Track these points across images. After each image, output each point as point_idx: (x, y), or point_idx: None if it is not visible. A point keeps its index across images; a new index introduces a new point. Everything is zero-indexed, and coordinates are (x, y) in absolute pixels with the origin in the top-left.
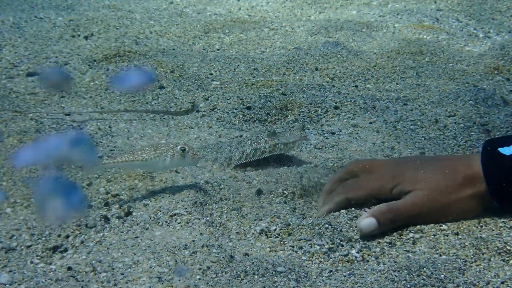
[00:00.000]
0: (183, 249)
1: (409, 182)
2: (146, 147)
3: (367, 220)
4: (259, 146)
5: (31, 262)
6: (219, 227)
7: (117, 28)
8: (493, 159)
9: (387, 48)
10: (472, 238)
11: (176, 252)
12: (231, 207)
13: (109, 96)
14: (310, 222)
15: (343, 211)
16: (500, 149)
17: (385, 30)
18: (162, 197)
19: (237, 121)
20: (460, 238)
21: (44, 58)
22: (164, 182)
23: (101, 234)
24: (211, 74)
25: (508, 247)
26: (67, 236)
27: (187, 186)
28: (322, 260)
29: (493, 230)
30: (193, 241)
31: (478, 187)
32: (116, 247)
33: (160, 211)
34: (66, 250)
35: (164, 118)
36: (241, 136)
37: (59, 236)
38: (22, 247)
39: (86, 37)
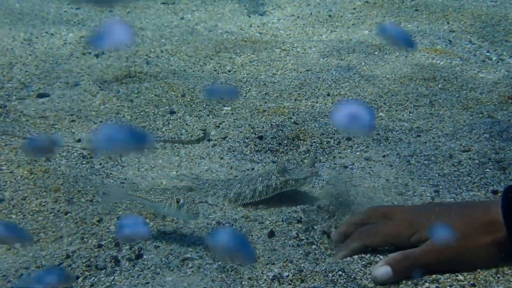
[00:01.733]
0: None
1: (427, 230)
2: (160, 189)
3: (382, 268)
4: (270, 182)
5: None
6: (231, 272)
7: (128, 46)
8: None
9: (400, 73)
10: None
11: None
12: None
13: (120, 121)
14: (323, 268)
15: (356, 257)
16: None
17: (398, 53)
18: (174, 239)
19: (248, 152)
20: None
21: (55, 78)
22: (176, 222)
23: (111, 277)
24: (222, 99)
25: None
26: (77, 277)
27: (198, 228)
28: None
29: (510, 282)
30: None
31: (497, 234)
32: None
33: (171, 254)
34: None
35: (175, 147)
36: (252, 169)
37: None
38: None
39: (96, 55)
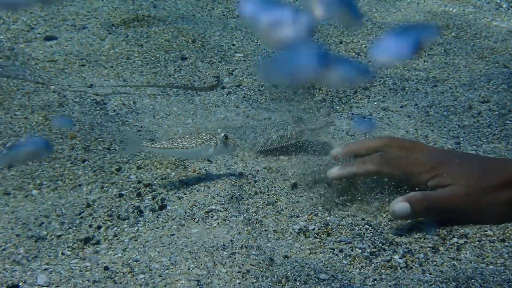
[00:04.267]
0: (221, 250)
1: (448, 176)
2: (187, 134)
3: (401, 204)
4: (285, 132)
5: (62, 254)
6: (256, 224)
7: None
8: None
9: (413, 20)
10: None
11: (214, 253)
12: (266, 202)
13: (131, 67)
14: (349, 222)
15: (381, 212)
16: None
17: (410, 0)
18: (197, 190)
19: (264, 100)
20: (507, 246)
21: (61, 20)
22: (198, 173)
23: (135, 228)
24: (234, 45)
25: None
26: (99, 227)
27: (222, 179)
28: (364, 265)
29: None
30: (231, 241)
31: None
32: (153, 245)
33: (196, 206)
34: (98, 242)
35: (189, 94)
36: (269, 118)
37: (90, 226)
38: (53, 236)
39: None
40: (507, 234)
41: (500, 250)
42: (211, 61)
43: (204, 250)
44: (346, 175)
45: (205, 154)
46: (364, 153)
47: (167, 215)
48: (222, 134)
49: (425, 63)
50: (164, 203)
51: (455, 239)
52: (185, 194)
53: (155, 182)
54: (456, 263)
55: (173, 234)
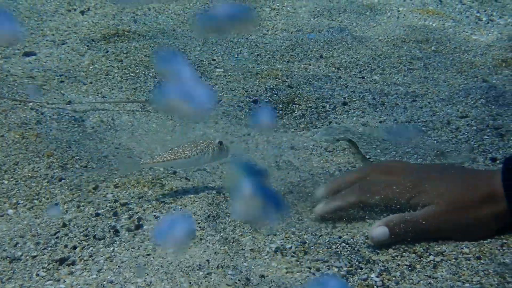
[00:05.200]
0: (197, 270)
1: (428, 195)
2: (186, 144)
3: (379, 229)
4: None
5: (37, 275)
6: (233, 243)
7: (114, 3)
8: None
9: (393, 35)
10: (495, 264)
11: (190, 273)
12: (244, 220)
13: (110, 83)
14: (326, 240)
15: (360, 229)
16: None
17: (389, 14)
18: (174, 209)
19: (243, 116)
20: (483, 263)
21: (41, 35)
22: (175, 191)
23: (111, 248)
24: (214, 60)
25: None
26: (75, 247)
27: (199, 197)
28: None
29: None
30: (208, 260)
31: (498, 207)
32: (128, 265)
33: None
34: (74, 263)
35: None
36: (248, 134)
37: (65, 246)
38: (28, 257)
39: (82, 12)
40: (483, 252)
41: (476, 267)
42: None
43: (179, 270)
44: (330, 210)
45: (205, 161)
46: (347, 187)
47: (144, 234)
48: (217, 140)
49: (405, 78)
50: (140, 223)
51: (431, 257)
52: (161, 213)
53: (132, 201)
54: (432, 281)
55: (149, 254)
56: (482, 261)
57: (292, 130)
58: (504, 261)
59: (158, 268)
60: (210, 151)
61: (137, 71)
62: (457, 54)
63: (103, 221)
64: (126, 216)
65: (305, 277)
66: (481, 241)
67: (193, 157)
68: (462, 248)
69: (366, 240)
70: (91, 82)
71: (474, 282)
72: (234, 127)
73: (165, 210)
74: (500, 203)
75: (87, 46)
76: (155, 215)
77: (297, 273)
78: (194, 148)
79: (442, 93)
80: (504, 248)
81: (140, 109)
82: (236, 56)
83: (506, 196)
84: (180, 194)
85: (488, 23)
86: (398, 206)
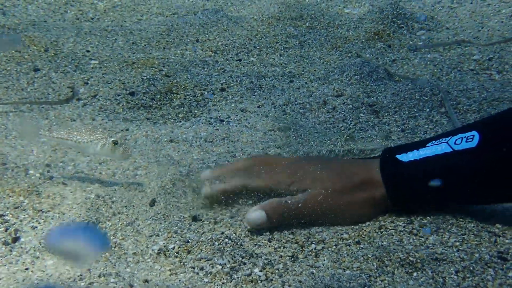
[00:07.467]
0: (79, 280)
1: (306, 180)
2: (85, 129)
3: (256, 213)
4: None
5: None
6: (115, 248)
7: None
8: (391, 165)
9: (267, 13)
10: (374, 247)
11: (71, 285)
12: (125, 222)
13: None
14: (209, 237)
15: (242, 223)
16: (397, 156)
17: None
18: (52, 218)
19: (121, 109)
20: (362, 248)
21: None
22: (52, 199)
23: None
24: (88, 51)
25: (410, 258)
26: None
27: (77, 203)
28: (225, 281)
29: (393, 236)
30: (89, 270)
31: (374, 192)
32: (6, 282)
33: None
34: None
35: (43, 108)
36: (127, 129)
37: None
38: None
39: None
40: (362, 236)
41: (356, 253)
42: (65, 71)
43: (60, 282)
44: (216, 192)
45: (92, 152)
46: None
47: (21, 247)
48: (111, 139)
49: (281, 58)
50: (17, 235)
51: (313, 245)
52: (39, 223)
53: (8, 212)
54: (314, 271)
55: (27, 268)
56: (361, 246)
57: (172, 120)
58: (382, 244)
59: (37, 283)
60: (100, 144)
61: (9, 68)
62: (331, 29)
63: None
64: (3, 228)
65: (189, 278)
66: (360, 225)
67: (83, 143)
68: (342, 234)
69: (249, 234)
70: None
71: (355, 268)
72: (112, 122)
73: (43, 219)
74: (378, 188)
75: None
76: (32, 226)
77: (181, 274)
78: (87, 136)
79: (318, 71)
80: (382, 230)
81: (14, 110)
82: (111, 45)
83: (384, 182)
84: (58, 201)
85: None
86: (280, 191)
